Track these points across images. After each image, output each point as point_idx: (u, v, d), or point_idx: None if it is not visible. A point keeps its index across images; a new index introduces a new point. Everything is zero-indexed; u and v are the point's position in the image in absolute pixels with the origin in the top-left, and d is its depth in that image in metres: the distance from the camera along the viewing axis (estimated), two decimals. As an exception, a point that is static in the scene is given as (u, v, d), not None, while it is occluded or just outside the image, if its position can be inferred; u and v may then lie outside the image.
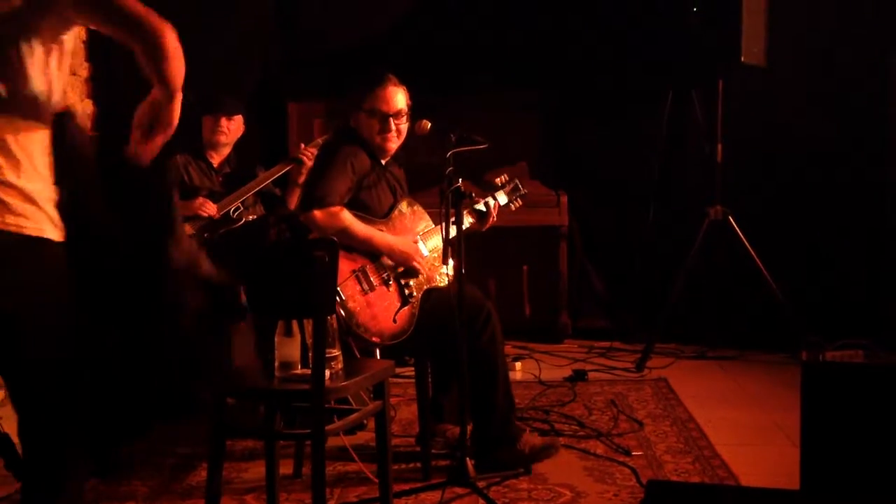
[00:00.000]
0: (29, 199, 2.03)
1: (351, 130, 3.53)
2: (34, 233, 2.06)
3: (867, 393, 2.42)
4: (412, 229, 3.55)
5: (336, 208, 3.32)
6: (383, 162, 3.56)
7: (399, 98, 3.50)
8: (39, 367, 2.17)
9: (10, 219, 2.01)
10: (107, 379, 2.80)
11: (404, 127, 3.53)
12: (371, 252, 3.38)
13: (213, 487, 2.92)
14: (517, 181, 3.86)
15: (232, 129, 4.89)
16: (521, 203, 3.88)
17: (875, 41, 5.02)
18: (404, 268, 3.41)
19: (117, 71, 5.30)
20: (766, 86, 4.97)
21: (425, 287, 3.45)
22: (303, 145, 4.82)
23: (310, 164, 4.67)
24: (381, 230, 3.43)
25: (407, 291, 3.40)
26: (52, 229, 2.10)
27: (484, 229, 3.69)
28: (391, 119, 3.47)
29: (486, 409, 3.37)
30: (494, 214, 3.67)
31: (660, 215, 5.27)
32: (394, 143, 3.52)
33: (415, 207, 3.60)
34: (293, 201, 4.78)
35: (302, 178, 4.68)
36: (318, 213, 3.30)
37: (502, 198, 3.79)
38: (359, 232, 3.35)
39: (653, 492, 2.38)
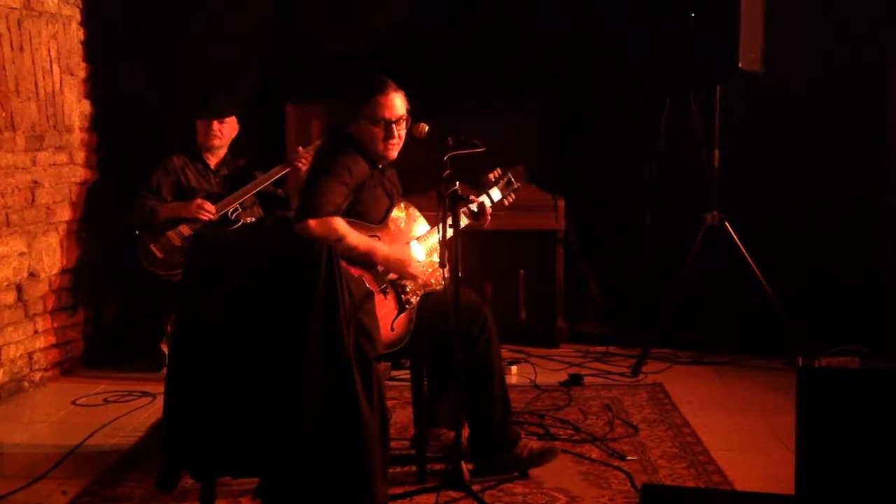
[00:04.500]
0: None
1: (348, 136, 3.48)
2: None
3: (862, 398, 2.42)
4: (407, 233, 3.54)
5: (332, 219, 3.29)
6: (380, 166, 3.56)
7: (399, 103, 3.47)
8: None
9: None
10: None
11: (404, 132, 3.51)
12: (367, 261, 3.37)
13: (209, 490, 2.93)
14: (510, 175, 3.82)
15: (225, 131, 4.91)
16: (514, 197, 3.81)
17: (873, 48, 5.03)
18: (401, 276, 3.41)
19: (114, 71, 5.31)
20: (764, 91, 4.96)
21: (422, 292, 3.45)
22: (300, 149, 4.83)
23: (305, 169, 4.68)
24: (377, 236, 3.42)
25: (404, 298, 3.39)
26: None
27: (485, 226, 3.68)
28: (393, 126, 3.44)
29: (483, 413, 3.38)
30: (489, 212, 3.66)
31: (657, 220, 5.27)
32: (395, 151, 3.50)
33: (410, 211, 3.58)
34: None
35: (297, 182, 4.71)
36: (312, 223, 3.26)
37: (496, 193, 3.76)
38: (355, 242, 3.33)
39: (647, 496, 2.38)
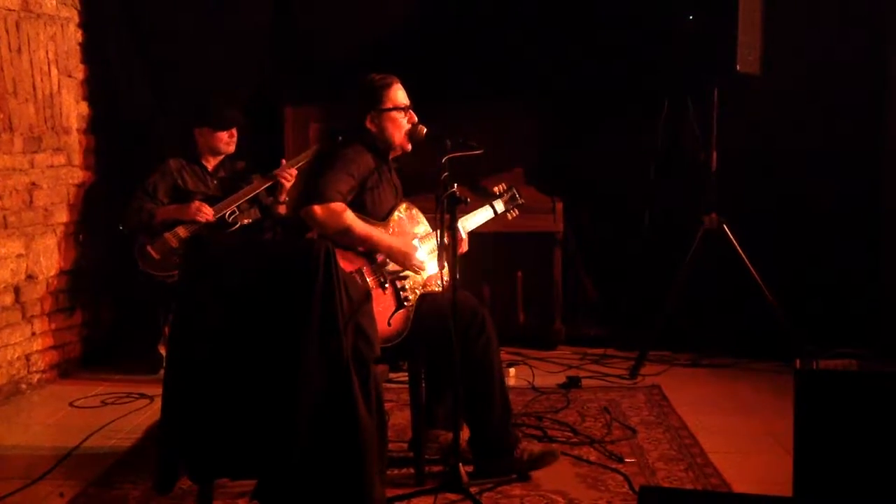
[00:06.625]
0: None
1: (358, 133, 3.50)
2: None
3: (860, 401, 2.42)
4: (409, 233, 3.55)
5: (336, 205, 3.31)
6: (390, 159, 3.56)
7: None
8: None
9: None
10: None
11: None
12: (369, 252, 3.38)
13: (206, 492, 2.92)
14: (514, 190, 3.87)
15: (236, 138, 4.94)
16: (517, 213, 3.89)
17: (871, 51, 5.04)
18: (403, 269, 3.42)
19: (112, 73, 5.31)
20: (762, 94, 4.97)
21: (420, 291, 3.45)
22: (284, 161, 4.85)
23: (288, 185, 4.74)
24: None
25: (403, 294, 3.40)
26: None
27: (459, 253, 3.47)
28: (411, 112, 3.53)
29: (483, 416, 3.37)
30: (465, 241, 3.64)
31: (655, 223, 5.27)
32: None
33: (412, 211, 3.60)
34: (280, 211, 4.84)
35: (283, 197, 4.76)
36: (317, 208, 3.29)
37: (499, 206, 3.81)
38: (358, 230, 3.34)
39: (645, 498, 2.39)
